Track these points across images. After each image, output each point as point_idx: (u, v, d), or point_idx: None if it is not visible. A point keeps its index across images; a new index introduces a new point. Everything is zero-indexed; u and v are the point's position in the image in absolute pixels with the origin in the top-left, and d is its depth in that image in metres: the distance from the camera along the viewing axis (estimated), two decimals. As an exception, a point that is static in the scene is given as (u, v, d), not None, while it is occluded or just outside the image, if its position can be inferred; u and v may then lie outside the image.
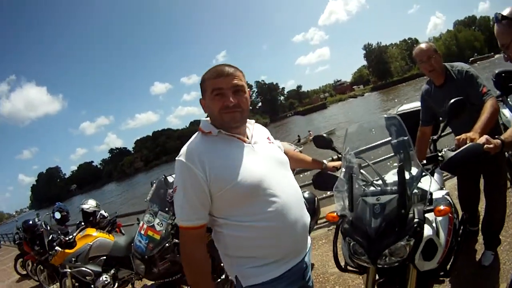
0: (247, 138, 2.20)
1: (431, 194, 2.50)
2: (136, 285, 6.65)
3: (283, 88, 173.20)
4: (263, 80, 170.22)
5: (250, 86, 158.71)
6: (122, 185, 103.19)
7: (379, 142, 6.10)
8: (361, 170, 2.87)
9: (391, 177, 2.82)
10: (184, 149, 2.09)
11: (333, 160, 3.15)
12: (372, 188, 2.68)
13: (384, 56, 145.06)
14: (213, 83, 2.07)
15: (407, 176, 2.40)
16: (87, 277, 6.02)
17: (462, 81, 3.47)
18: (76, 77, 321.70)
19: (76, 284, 6.25)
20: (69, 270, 6.10)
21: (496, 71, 5.64)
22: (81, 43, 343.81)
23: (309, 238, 2.40)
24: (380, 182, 2.77)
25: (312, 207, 4.30)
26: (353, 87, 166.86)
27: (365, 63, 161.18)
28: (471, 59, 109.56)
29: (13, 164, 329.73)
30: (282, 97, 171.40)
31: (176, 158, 2.07)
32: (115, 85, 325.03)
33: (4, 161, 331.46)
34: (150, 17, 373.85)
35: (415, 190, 2.46)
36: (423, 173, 2.55)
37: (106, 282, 6.00)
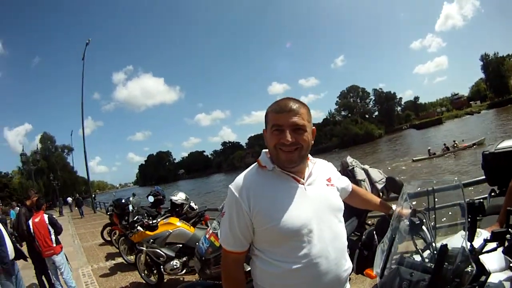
0: (303, 178, 2.12)
1: (487, 276, 2.11)
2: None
3: (400, 98, 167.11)
4: (381, 88, 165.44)
5: (367, 94, 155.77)
6: (229, 178, 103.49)
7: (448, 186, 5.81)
8: (423, 227, 2.49)
9: (453, 241, 2.27)
10: (237, 179, 2.12)
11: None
12: (422, 255, 2.34)
13: (502, 69, 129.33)
14: (274, 118, 2.04)
15: (467, 245, 2.06)
16: (160, 258, 6.68)
17: None
18: (194, 71, 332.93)
19: (149, 261, 7.03)
20: (145, 248, 6.87)
21: None
22: (202, 39, 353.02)
23: (347, 285, 2.29)
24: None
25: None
26: (470, 102, 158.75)
27: (482, 75, 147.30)
28: None
29: (124, 143, 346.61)
30: (399, 108, 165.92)
31: (229, 186, 2.10)
32: (234, 82, 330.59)
33: (117, 140, 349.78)
34: (270, 17, 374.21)
35: (468, 269, 2.04)
36: (486, 249, 2.15)
37: (175, 266, 6.54)
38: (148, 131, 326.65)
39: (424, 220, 2.50)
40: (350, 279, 5.11)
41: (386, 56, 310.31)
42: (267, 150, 2.18)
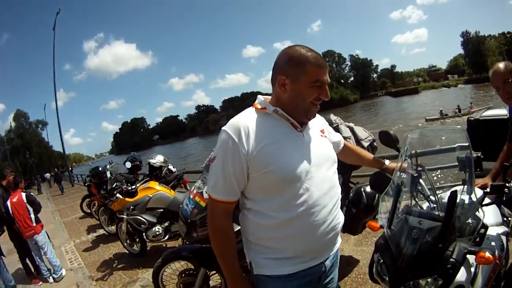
0: (300, 126, 2.07)
1: (485, 229, 2.28)
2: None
3: (377, 66, 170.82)
4: (357, 55, 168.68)
5: (343, 60, 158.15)
6: (204, 141, 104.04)
7: (443, 148, 5.86)
8: (421, 180, 2.51)
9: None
10: (232, 120, 2.00)
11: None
12: (421, 207, 2.42)
13: (482, 48, 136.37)
14: (317, 72, 1.96)
15: (466, 200, 2.15)
16: (141, 225, 6.54)
17: None
18: (167, 36, 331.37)
19: (131, 229, 6.87)
20: (125, 216, 6.66)
21: None
22: (174, 2, 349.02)
23: (338, 241, 2.30)
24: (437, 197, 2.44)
25: (371, 203, 4.23)
26: (448, 75, 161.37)
27: (462, 51, 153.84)
28: None
29: (98, 113, 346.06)
30: (375, 75, 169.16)
31: (222, 128, 1.99)
32: (207, 45, 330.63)
33: (90, 110, 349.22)
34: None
35: (469, 220, 2.17)
36: (486, 202, 2.32)
37: (157, 232, 6.41)
38: (121, 99, 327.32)
39: (423, 173, 2.52)
40: None
41: (365, 24, 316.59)
42: (263, 96, 2.16)
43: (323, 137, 2.24)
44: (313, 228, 1.99)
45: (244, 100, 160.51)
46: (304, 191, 1.94)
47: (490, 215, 2.47)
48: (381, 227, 2.38)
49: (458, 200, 2.08)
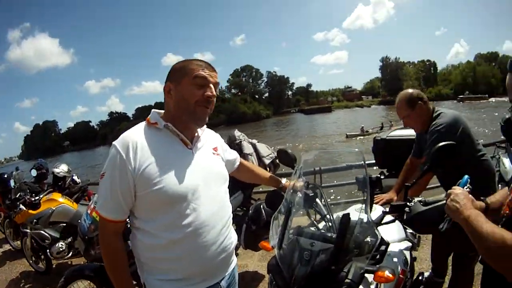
0: (191, 143, 2.06)
1: (387, 246, 2.24)
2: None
3: (292, 83, 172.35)
4: (275, 71, 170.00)
5: (260, 75, 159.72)
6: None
7: (339, 166, 6.08)
8: (317, 199, 2.54)
9: (351, 213, 2.23)
10: (123, 135, 1.95)
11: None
12: (317, 227, 2.47)
13: (400, 73, 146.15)
14: (199, 71, 1.96)
15: (364, 219, 2.20)
16: (45, 241, 6.08)
17: (429, 137, 3.26)
18: (90, 35, 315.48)
19: (36, 245, 6.35)
20: (29, 230, 6.22)
21: (507, 116, 5.66)
22: (100, 2, 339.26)
23: (233, 261, 2.31)
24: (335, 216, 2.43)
25: (270, 220, 4.18)
26: (362, 96, 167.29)
27: (379, 75, 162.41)
28: (460, 96, 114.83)
29: (12, 111, 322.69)
30: (290, 92, 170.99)
31: (113, 143, 1.92)
32: (128, 49, 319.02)
33: (3, 106, 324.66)
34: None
35: (368, 239, 2.17)
36: (386, 220, 2.42)
37: (61, 249, 5.99)
38: (36, 97, 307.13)
39: (318, 193, 2.56)
40: (237, 254, 5.12)
41: (287, 42, 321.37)
42: (158, 110, 2.12)
43: (215, 155, 2.24)
44: (202, 250, 1.98)
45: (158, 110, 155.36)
46: (191, 211, 1.93)
47: (392, 231, 2.57)
48: (273, 247, 2.31)
49: (357, 218, 2.18)
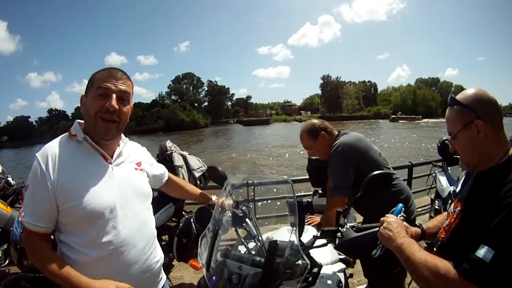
0: (111, 157, 2.04)
1: (320, 268, 2.19)
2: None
3: (232, 94, 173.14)
4: (216, 81, 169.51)
5: (201, 84, 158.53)
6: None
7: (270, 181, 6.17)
8: (247, 219, 2.44)
9: (280, 235, 2.46)
10: (45, 147, 1.92)
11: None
12: (247, 247, 2.37)
13: (340, 91, 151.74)
14: (102, 81, 1.92)
15: (295, 241, 2.13)
16: None
17: (329, 157, 3.34)
18: (38, 23, 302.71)
19: None
20: None
21: (444, 138, 6.28)
22: None
23: (161, 278, 2.32)
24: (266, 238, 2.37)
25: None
26: (301, 111, 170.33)
27: (319, 92, 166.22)
28: (392, 116, 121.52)
29: None
30: (229, 103, 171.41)
31: (36, 154, 1.89)
32: (74, 43, 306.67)
33: None
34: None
35: (299, 262, 2.09)
36: (318, 243, 2.32)
37: None
38: None
39: (248, 213, 2.48)
40: (173, 265, 5.19)
41: (231, 52, 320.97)
42: (81, 121, 2.07)
43: (137, 170, 2.21)
44: (125, 268, 1.97)
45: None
46: (111, 228, 1.92)
47: (325, 253, 2.54)
48: (202, 267, 2.17)
49: (288, 240, 2.15)
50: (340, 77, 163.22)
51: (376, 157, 3.38)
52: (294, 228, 2.17)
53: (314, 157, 4.50)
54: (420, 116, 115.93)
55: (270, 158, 35.53)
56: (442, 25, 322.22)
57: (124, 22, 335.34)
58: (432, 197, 7.49)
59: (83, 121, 2.06)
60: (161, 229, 4.56)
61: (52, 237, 2.01)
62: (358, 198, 2.34)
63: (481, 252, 1.46)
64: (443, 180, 6.74)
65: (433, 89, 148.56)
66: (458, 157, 1.93)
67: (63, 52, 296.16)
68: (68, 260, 1.89)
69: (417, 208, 6.74)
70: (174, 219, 4.96)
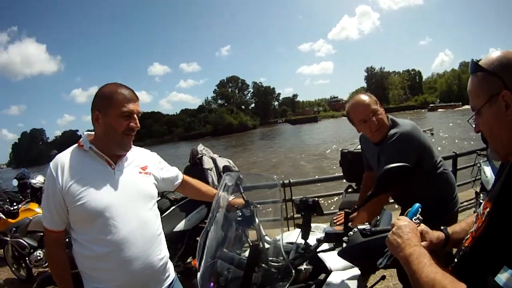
0: (115, 163, 2.22)
1: (328, 274, 2.13)
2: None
3: (279, 94, 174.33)
4: (260, 82, 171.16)
5: (247, 86, 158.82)
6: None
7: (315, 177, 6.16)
8: (256, 218, 2.43)
9: (291, 236, 2.36)
10: (56, 157, 2.17)
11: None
12: (235, 253, 2.28)
13: (385, 82, 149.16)
14: (125, 104, 2.13)
15: (301, 244, 2.15)
16: (25, 249, 6.18)
17: (386, 147, 2.97)
18: (78, 42, 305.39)
19: (16, 254, 6.41)
20: (9, 239, 6.29)
21: None
22: (90, 9, 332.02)
23: (169, 277, 2.42)
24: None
25: None
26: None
27: (365, 85, 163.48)
28: (431, 105, 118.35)
29: None
30: (276, 103, 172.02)
31: (49, 163, 2.17)
32: (115, 58, 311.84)
33: None
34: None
35: (304, 266, 2.05)
36: (324, 248, 2.13)
37: (39, 257, 6.05)
38: (23, 105, 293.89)
39: (256, 213, 2.46)
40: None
41: (273, 52, 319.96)
42: (89, 132, 2.27)
43: (141, 174, 2.36)
44: (126, 264, 2.11)
45: (144, 120, 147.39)
46: (111, 227, 2.08)
47: (337, 258, 2.10)
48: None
49: (286, 244, 2.15)
50: (384, 68, 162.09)
51: (432, 148, 3.11)
52: (301, 230, 2.16)
53: (346, 150, 4.60)
54: (460, 103, 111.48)
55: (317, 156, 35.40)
56: (481, 3, 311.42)
57: (163, 31, 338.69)
58: (478, 189, 6.79)
59: (92, 133, 2.26)
60: (193, 231, 4.70)
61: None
62: (368, 197, 1.96)
63: (503, 277, 1.08)
64: (487, 170, 6.16)
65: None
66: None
67: (105, 66, 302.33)
68: (80, 255, 2.16)
69: (463, 202, 6.63)
70: (207, 221, 4.94)
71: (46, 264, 5.91)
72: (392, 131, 2.95)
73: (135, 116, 2.19)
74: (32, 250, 6.15)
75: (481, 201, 1.54)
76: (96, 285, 2.15)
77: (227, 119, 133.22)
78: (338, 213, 3.38)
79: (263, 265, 2.01)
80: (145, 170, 2.40)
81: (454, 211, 3.12)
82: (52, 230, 2.17)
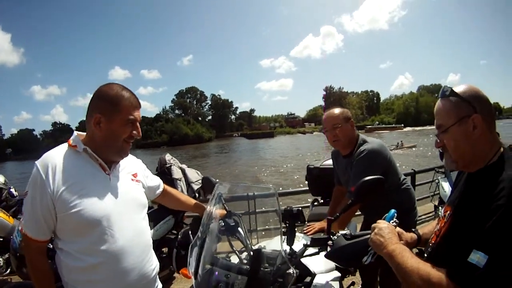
0: (109, 168, 2.08)
1: (313, 277, 2.31)
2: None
3: (236, 108, 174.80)
4: (219, 95, 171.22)
5: (205, 98, 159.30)
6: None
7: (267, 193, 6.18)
8: (239, 228, 2.52)
9: (273, 244, 2.40)
10: (44, 156, 1.96)
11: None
12: (239, 256, 2.39)
13: (343, 102, 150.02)
14: (131, 111, 2.02)
15: (287, 250, 2.20)
16: None
17: (355, 162, 3.23)
18: (42, 36, 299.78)
19: None
20: None
21: None
22: (60, 2, 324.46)
23: (157, 286, 2.33)
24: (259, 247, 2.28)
25: None
26: (305, 123, 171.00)
27: (322, 103, 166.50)
28: (368, 126, 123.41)
29: None
30: (233, 116, 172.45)
31: (35, 162, 1.94)
32: (77, 58, 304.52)
33: None
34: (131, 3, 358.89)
35: (290, 270, 2.07)
36: (309, 252, 2.31)
37: None
38: None
39: (240, 223, 2.55)
40: (174, 277, 5.14)
41: (233, 66, 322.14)
42: (80, 132, 2.13)
43: (133, 181, 2.26)
44: (121, 275, 2.00)
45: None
46: (108, 236, 1.95)
47: (319, 262, 2.47)
48: (191, 275, 2.19)
49: (272, 251, 2.22)
50: (342, 88, 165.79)
51: (396, 166, 3.42)
52: (286, 236, 2.20)
53: (312, 166, 4.72)
54: (402, 125, 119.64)
55: (273, 170, 35.43)
56: (443, 31, 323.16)
57: (127, 36, 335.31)
58: (436, 203, 7.52)
59: (82, 133, 2.12)
60: (161, 241, 4.61)
61: (51, 245, 2.08)
62: (348, 206, 2.24)
63: (474, 257, 1.38)
64: (445, 186, 6.77)
65: (436, 95, 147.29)
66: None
67: (67, 65, 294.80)
68: (66, 267, 1.96)
69: (421, 215, 6.92)
70: (174, 231, 4.97)
71: (7, 272, 5.57)
72: (362, 148, 3.23)
73: (138, 124, 2.09)
74: None
75: (439, 213, 1.96)
76: None
77: (183, 129, 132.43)
78: (307, 224, 3.44)
79: (262, 268, 2.06)
80: (136, 178, 2.31)
81: (413, 223, 3.38)
82: (36, 239, 1.95)
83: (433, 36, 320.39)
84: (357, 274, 3.69)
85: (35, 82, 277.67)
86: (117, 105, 1.98)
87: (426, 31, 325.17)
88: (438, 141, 1.76)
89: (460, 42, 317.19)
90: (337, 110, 3.40)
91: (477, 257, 1.37)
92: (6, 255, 5.52)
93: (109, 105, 1.98)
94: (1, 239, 5.61)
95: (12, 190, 6.86)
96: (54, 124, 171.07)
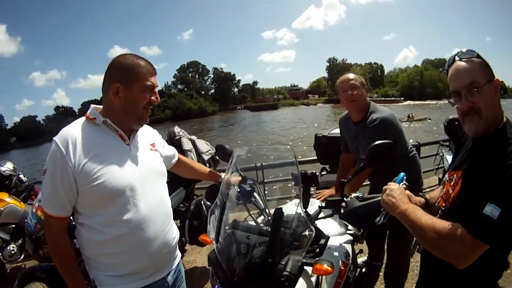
0: (128, 138, 2.10)
1: (327, 239, 2.34)
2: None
3: (239, 80, 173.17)
4: (221, 68, 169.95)
5: (207, 72, 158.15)
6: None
7: (276, 163, 6.37)
8: (255, 193, 2.62)
9: (287, 208, 2.29)
10: (62, 131, 1.97)
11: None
12: (256, 220, 2.51)
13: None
14: (149, 78, 2.05)
15: (302, 213, 2.21)
16: None
17: (367, 130, 3.27)
18: (37, 23, 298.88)
19: None
20: None
21: (450, 117, 6.21)
22: None
23: (177, 256, 2.37)
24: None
25: None
26: (308, 95, 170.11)
27: (326, 75, 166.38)
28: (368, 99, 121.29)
29: None
30: (236, 89, 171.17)
31: (54, 138, 1.93)
32: (74, 40, 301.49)
33: None
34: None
35: (306, 232, 2.17)
36: (323, 215, 2.43)
37: (12, 252, 5.55)
38: None
39: (255, 188, 2.65)
40: (185, 250, 5.18)
41: (235, 38, 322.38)
42: (96, 106, 2.14)
43: (152, 151, 2.28)
44: (145, 245, 2.03)
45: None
46: (131, 206, 1.97)
47: (333, 225, 2.65)
48: (212, 240, 2.25)
49: (294, 213, 2.22)
50: (346, 59, 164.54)
51: (405, 135, 3.48)
52: (299, 200, 2.25)
53: (320, 135, 4.79)
54: (402, 99, 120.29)
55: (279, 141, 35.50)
56: (449, 4, 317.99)
57: (125, 14, 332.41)
58: (440, 176, 7.55)
59: (99, 106, 2.13)
60: (173, 213, 4.50)
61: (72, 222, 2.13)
62: (361, 168, 2.41)
63: (488, 210, 1.48)
64: (450, 159, 6.42)
65: (440, 70, 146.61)
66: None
67: (65, 49, 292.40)
68: (89, 241, 2.00)
69: (426, 188, 6.95)
70: (185, 203, 4.99)
71: (21, 258, 5.64)
72: (374, 116, 3.28)
73: (156, 90, 2.13)
74: (4, 245, 5.60)
75: (445, 179, 2.01)
76: (109, 273, 2.03)
77: (186, 104, 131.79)
78: (317, 191, 3.63)
79: (282, 229, 2.10)
80: (154, 147, 2.34)
81: (420, 192, 3.19)
82: (57, 216, 1.96)
83: (438, 10, 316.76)
84: (365, 243, 3.74)
85: (35, 69, 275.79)
86: (134, 72, 2.02)
87: (431, 4, 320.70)
88: (465, 101, 1.70)
89: (466, 17, 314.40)
90: (352, 75, 3.47)
91: (490, 209, 1.48)
92: (20, 241, 5.61)
93: (127, 73, 2.01)
94: (14, 226, 5.73)
95: (21, 176, 6.94)
96: (57, 108, 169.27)
